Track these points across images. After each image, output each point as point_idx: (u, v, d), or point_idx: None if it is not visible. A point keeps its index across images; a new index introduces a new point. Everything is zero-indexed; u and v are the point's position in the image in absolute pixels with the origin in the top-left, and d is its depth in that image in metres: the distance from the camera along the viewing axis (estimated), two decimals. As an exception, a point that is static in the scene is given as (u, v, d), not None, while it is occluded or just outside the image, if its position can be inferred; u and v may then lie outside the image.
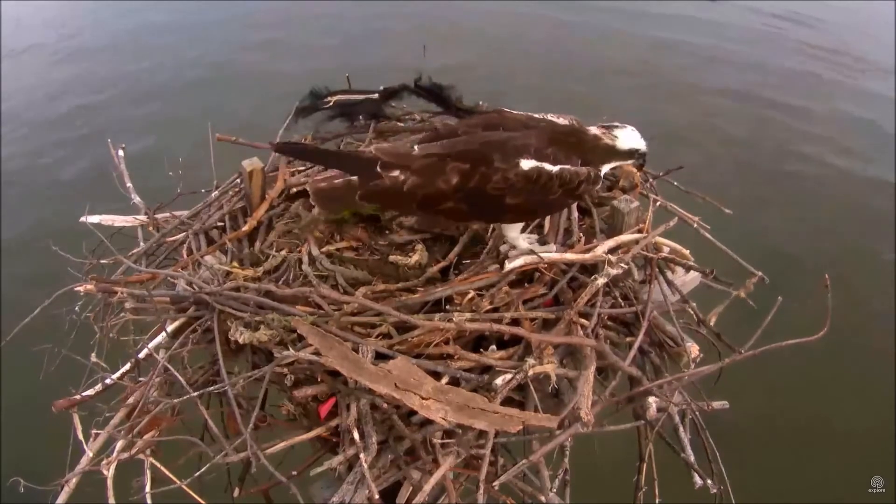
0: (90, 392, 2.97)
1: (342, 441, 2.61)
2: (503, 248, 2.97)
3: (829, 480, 5.83)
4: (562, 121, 2.76)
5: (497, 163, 2.56)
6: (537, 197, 2.63)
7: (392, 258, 3.10)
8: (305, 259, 3.06)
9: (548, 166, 2.61)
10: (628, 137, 2.77)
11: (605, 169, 2.81)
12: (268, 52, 12.77)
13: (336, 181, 2.72)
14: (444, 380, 2.60)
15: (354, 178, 2.64)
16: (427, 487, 2.49)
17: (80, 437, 2.88)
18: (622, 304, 2.96)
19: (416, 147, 2.68)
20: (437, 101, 3.88)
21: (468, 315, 2.63)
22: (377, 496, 2.44)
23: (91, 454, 2.85)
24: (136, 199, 3.91)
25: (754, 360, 2.72)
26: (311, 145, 2.64)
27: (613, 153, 2.78)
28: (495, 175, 2.55)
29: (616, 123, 2.81)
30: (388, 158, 2.60)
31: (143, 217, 3.77)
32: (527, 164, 2.59)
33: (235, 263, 3.17)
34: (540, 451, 2.62)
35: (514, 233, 2.91)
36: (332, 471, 2.57)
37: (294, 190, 3.36)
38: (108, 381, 2.99)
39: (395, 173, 2.58)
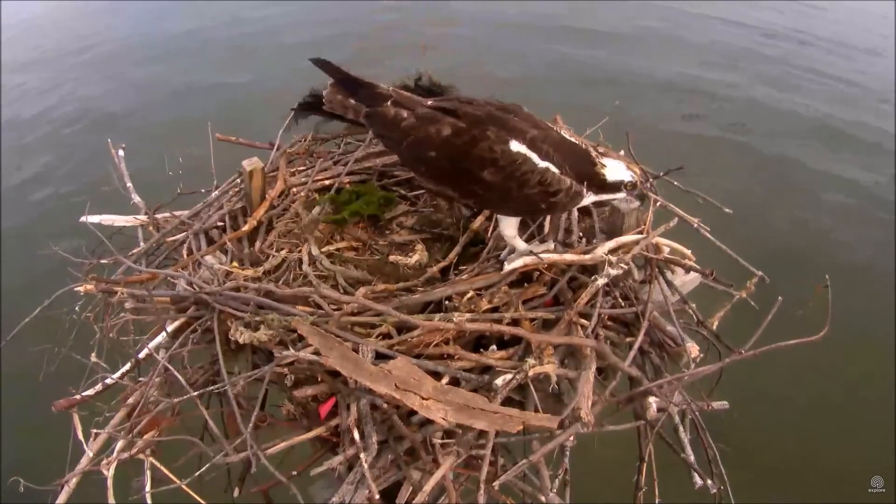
0: (90, 392, 2.98)
1: (342, 441, 2.61)
2: (503, 253, 2.97)
3: (828, 480, 5.83)
4: (574, 139, 2.80)
5: (490, 132, 2.62)
6: (513, 183, 2.64)
7: (392, 258, 3.11)
8: (305, 259, 3.06)
9: (536, 158, 2.62)
10: (614, 169, 2.78)
11: (591, 199, 2.81)
12: (268, 50, 12.78)
13: (350, 99, 2.80)
14: (445, 380, 2.60)
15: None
16: (427, 487, 2.49)
17: (80, 437, 2.89)
18: (622, 304, 2.96)
19: (429, 101, 2.79)
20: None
21: (468, 315, 2.63)
22: (377, 496, 2.44)
23: (91, 454, 2.86)
24: (136, 198, 3.91)
25: (754, 360, 2.72)
26: (340, 68, 2.71)
27: (604, 186, 2.79)
28: (483, 142, 2.60)
29: (608, 153, 2.83)
30: (399, 98, 2.75)
31: (143, 217, 3.76)
32: (517, 146, 2.62)
33: (235, 263, 3.17)
34: (540, 452, 2.62)
35: (511, 231, 2.91)
36: (332, 471, 2.58)
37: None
38: (108, 381, 3.00)
39: (402, 111, 2.70)
